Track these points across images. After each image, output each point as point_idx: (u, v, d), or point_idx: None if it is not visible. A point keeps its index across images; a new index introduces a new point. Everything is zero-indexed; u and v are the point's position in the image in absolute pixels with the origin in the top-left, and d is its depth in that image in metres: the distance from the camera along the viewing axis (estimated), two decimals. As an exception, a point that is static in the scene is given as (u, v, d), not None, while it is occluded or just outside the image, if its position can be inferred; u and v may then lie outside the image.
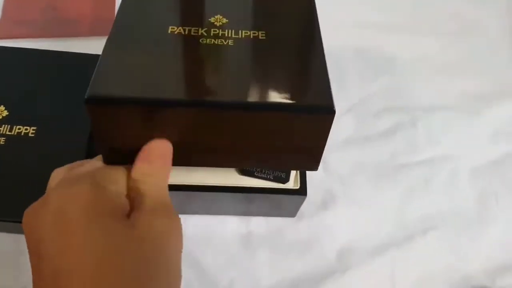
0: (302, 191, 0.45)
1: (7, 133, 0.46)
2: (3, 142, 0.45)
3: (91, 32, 0.59)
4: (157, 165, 0.29)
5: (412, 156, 0.57)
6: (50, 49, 0.51)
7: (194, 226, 0.50)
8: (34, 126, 0.46)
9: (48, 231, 0.24)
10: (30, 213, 0.26)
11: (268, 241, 0.50)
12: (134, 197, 0.28)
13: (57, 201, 0.25)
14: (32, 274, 0.25)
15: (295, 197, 0.45)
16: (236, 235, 0.50)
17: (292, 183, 0.45)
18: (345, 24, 0.65)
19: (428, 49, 0.65)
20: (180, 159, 0.31)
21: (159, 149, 0.29)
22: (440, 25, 0.68)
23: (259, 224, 0.52)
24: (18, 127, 0.46)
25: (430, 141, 0.58)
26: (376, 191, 0.54)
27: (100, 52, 0.49)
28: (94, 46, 0.57)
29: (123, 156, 0.30)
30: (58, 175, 0.28)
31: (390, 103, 0.61)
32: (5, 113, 0.48)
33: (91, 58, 0.49)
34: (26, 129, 0.46)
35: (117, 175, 0.28)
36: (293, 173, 0.44)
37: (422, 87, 0.62)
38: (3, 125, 0.47)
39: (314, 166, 0.35)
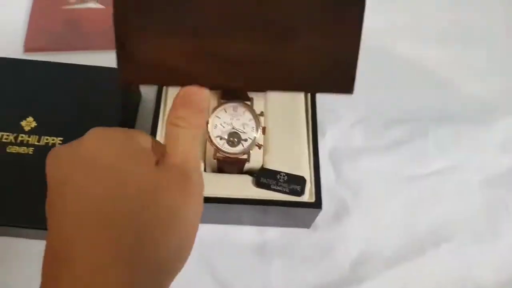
0: (317, 204, 0.46)
1: (36, 143, 0.48)
2: (31, 152, 0.48)
3: (113, 46, 0.60)
4: (192, 110, 0.28)
5: (423, 167, 0.58)
6: (74, 63, 0.54)
7: (209, 234, 0.52)
8: (60, 137, 0.48)
9: (78, 173, 0.24)
10: (58, 154, 0.26)
11: (283, 251, 0.51)
12: (167, 144, 0.28)
13: (91, 145, 0.25)
14: (49, 216, 0.25)
15: (311, 210, 0.47)
16: (251, 244, 0.51)
17: (307, 196, 0.47)
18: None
19: (436, 59, 0.65)
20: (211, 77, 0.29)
21: (196, 95, 0.28)
22: (448, 33, 0.67)
23: (274, 234, 0.53)
24: (45, 137, 0.48)
25: (440, 151, 0.58)
26: (387, 201, 0.55)
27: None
28: (115, 59, 0.60)
29: (143, 71, 0.29)
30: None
31: (400, 114, 0.61)
32: (34, 124, 0.50)
33: (113, 71, 0.51)
34: (53, 140, 0.48)
35: (146, 136, 0.28)
36: (308, 186, 0.46)
37: (431, 97, 0.62)
38: (32, 136, 0.49)
39: (349, 85, 0.31)
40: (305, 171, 0.46)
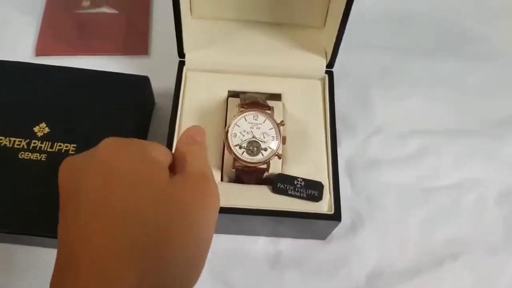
0: (336, 216, 0.45)
1: (48, 149, 0.47)
2: (44, 158, 0.46)
3: (124, 51, 0.59)
4: (198, 139, 0.31)
5: (439, 180, 0.56)
6: (86, 67, 0.52)
7: (223, 244, 0.50)
8: (74, 144, 0.47)
9: (91, 181, 0.24)
10: (71, 163, 0.26)
11: (297, 262, 0.50)
12: (177, 164, 0.28)
13: (105, 155, 0.25)
14: (60, 226, 0.25)
15: (329, 223, 0.45)
16: (265, 255, 0.50)
17: (326, 207, 0.46)
18: (370, 45, 0.64)
19: (450, 73, 0.64)
20: None
21: (198, 131, 0.33)
22: (462, 47, 0.66)
23: (288, 245, 0.51)
24: (58, 144, 0.47)
25: (457, 164, 0.57)
26: (403, 214, 0.53)
27: (132, 71, 0.50)
28: (127, 65, 0.59)
29: None
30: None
31: (416, 126, 0.60)
32: (46, 130, 0.49)
33: (126, 77, 0.51)
34: (66, 146, 0.47)
35: (161, 148, 0.29)
36: (326, 194, 0.45)
37: (448, 110, 0.61)
38: (45, 142, 0.48)
39: None
40: (324, 181, 0.45)
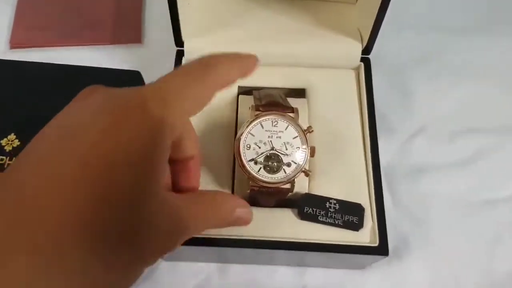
0: (382, 249, 0.36)
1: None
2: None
3: (114, 40, 0.53)
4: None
5: (499, 189, 0.48)
6: (69, 60, 0.46)
7: (237, 276, 0.44)
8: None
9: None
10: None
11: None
12: None
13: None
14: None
15: (372, 257, 0.36)
16: (287, 289, 0.42)
17: (369, 236, 0.37)
18: (409, 25, 0.56)
19: (508, 55, 0.55)
20: None
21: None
22: None
23: (317, 277, 0.44)
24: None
25: None
26: (457, 233, 0.46)
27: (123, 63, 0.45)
28: (117, 56, 0.52)
29: None
30: None
31: (468, 123, 0.52)
32: (16, 142, 0.40)
33: (115, 73, 0.44)
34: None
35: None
36: (368, 220, 0.37)
37: (504, 103, 0.53)
38: (14, 158, 0.39)
39: None
40: (364, 202, 0.38)
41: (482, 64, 0.55)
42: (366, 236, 0.36)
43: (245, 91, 0.42)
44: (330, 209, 0.36)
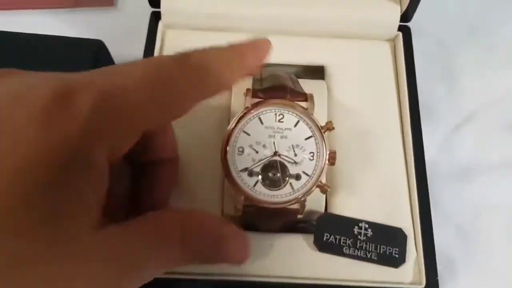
0: None
1: None
2: None
3: (78, 1, 0.45)
4: None
5: None
6: (23, 26, 0.39)
7: None
8: None
9: None
10: None
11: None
12: None
13: None
14: None
15: None
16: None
17: (411, 274, 0.28)
18: None
19: None
20: None
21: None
22: None
23: None
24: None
25: None
26: None
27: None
28: (82, 22, 0.45)
29: None
30: None
31: None
32: None
33: (71, 42, 0.37)
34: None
35: None
36: (411, 250, 0.28)
37: None
38: None
39: None
40: (405, 226, 0.29)
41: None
42: (407, 273, 0.28)
43: None
44: (359, 236, 0.28)
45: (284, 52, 0.33)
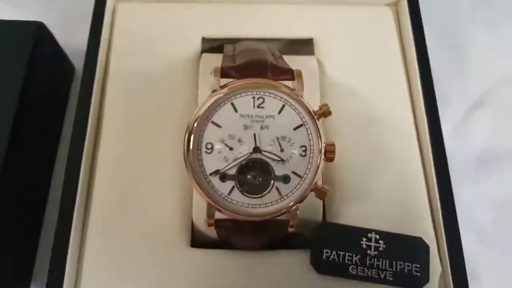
0: None
1: None
2: None
3: None
4: None
5: None
6: None
7: None
8: None
9: None
10: None
11: None
12: None
13: None
14: None
15: None
16: None
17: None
18: None
19: None
20: None
21: None
22: None
23: None
24: None
25: None
26: None
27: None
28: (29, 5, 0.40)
29: None
30: None
31: None
32: None
33: (8, 26, 0.32)
34: None
35: None
36: (435, 263, 0.24)
37: None
38: None
39: None
40: (425, 233, 0.24)
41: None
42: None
43: (213, 46, 0.27)
44: (369, 251, 0.22)
45: (264, 24, 0.28)
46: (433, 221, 0.25)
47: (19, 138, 0.28)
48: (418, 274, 0.23)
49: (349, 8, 0.29)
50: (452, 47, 0.41)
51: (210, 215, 0.21)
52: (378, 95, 0.27)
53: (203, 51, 0.27)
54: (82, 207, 0.23)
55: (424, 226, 0.24)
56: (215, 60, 0.25)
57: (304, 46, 0.28)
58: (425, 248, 0.23)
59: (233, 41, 0.27)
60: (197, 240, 0.23)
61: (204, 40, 0.27)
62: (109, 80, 0.28)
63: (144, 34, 0.28)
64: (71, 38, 0.36)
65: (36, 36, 0.32)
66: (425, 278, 0.23)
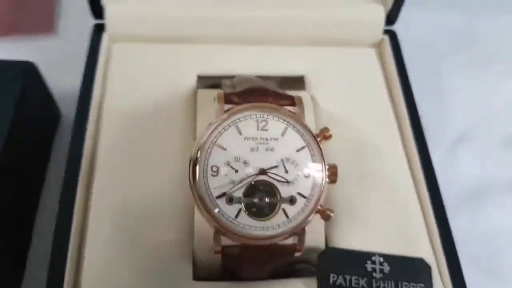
0: None
1: None
2: None
3: (16, 29, 0.41)
4: None
5: None
6: None
7: None
8: None
9: None
10: None
11: None
12: None
13: None
14: None
15: None
16: None
17: None
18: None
19: None
20: None
21: None
22: None
23: None
24: None
25: None
26: None
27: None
28: (18, 50, 0.40)
29: None
30: None
31: None
32: None
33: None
34: None
35: None
36: (436, 281, 0.24)
37: None
38: None
39: None
40: (424, 253, 0.25)
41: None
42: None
43: (208, 83, 0.29)
44: (374, 274, 0.22)
45: (258, 63, 0.29)
46: (432, 244, 0.25)
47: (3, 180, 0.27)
48: (423, 291, 0.22)
49: (337, 48, 0.31)
50: (433, 85, 0.42)
51: (217, 241, 0.20)
52: (367, 124, 0.28)
53: (199, 87, 0.28)
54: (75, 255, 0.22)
55: (422, 248, 0.24)
56: (211, 95, 0.25)
57: (296, 82, 0.29)
58: (427, 268, 0.24)
59: (228, 77, 0.27)
60: (200, 273, 0.22)
61: (199, 77, 0.28)
62: (104, 118, 0.28)
63: (139, 73, 0.29)
64: (58, 81, 0.36)
65: (25, 75, 0.32)
66: (431, 298, 0.22)
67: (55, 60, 0.37)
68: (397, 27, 0.33)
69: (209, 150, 0.20)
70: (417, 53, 0.41)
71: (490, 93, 0.42)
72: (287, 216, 0.20)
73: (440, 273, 0.25)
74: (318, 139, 0.21)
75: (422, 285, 0.23)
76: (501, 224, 0.37)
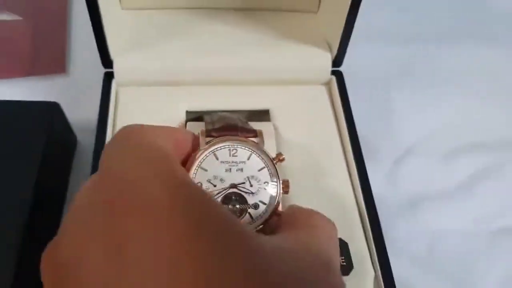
0: None
1: None
2: None
3: (31, 70, 0.44)
4: None
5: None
6: None
7: None
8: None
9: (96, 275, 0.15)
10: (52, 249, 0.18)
11: None
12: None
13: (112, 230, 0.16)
14: None
15: None
16: None
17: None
18: (381, 33, 0.51)
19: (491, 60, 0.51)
20: None
21: None
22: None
23: None
24: None
25: None
26: (473, 279, 0.37)
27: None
28: (35, 89, 0.44)
29: None
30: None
31: (462, 140, 0.45)
32: None
33: (24, 106, 0.36)
34: None
35: None
36: (368, 268, 0.30)
37: (502, 114, 0.47)
38: None
39: None
40: (359, 246, 0.31)
41: (470, 72, 0.50)
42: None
43: (195, 117, 0.35)
44: None
45: (233, 100, 0.36)
46: (366, 238, 0.31)
47: (37, 216, 0.30)
48: (345, 264, 0.29)
49: (295, 86, 0.37)
50: (380, 109, 0.46)
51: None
52: (318, 150, 0.34)
53: (187, 120, 0.35)
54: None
55: (357, 241, 0.30)
56: (198, 126, 0.32)
57: (263, 115, 0.36)
58: (345, 244, 0.30)
59: (210, 112, 0.33)
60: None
61: (187, 112, 0.35)
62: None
63: (141, 109, 0.35)
64: (75, 112, 0.39)
65: (51, 114, 0.35)
66: (350, 266, 0.29)
67: (69, 96, 0.42)
68: (347, 63, 0.38)
69: (194, 171, 0.27)
70: (368, 82, 0.47)
71: (429, 115, 0.46)
72: (252, 218, 0.27)
73: (372, 262, 0.30)
74: (275, 161, 0.28)
75: (343, 257, 0.29)
76: (436, 226, 0.40)
